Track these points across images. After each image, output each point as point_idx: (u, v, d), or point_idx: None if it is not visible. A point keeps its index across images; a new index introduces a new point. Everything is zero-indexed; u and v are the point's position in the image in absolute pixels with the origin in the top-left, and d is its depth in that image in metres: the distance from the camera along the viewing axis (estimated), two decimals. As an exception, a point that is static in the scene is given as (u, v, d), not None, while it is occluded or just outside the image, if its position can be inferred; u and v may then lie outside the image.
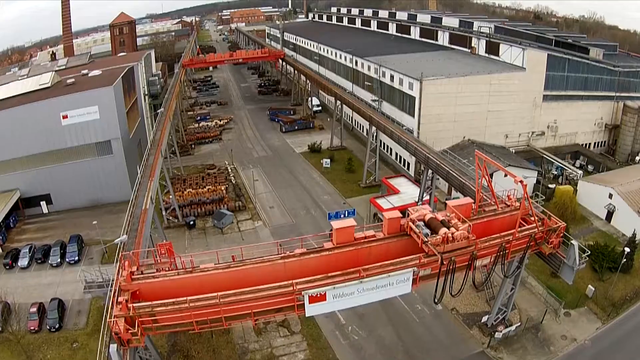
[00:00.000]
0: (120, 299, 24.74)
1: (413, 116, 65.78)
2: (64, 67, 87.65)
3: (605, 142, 76.47)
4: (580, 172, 65.52)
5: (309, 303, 25.45)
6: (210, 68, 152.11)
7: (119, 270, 26.70)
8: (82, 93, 57.53)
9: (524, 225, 32.34)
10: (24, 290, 45.67)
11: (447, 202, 33.52)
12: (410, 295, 44.82)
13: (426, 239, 27.94)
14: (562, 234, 32.52)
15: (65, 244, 51.29)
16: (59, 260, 48.93)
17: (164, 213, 57.24)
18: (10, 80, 72.74)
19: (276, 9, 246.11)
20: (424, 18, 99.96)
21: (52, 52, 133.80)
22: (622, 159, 72.00)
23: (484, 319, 40.43)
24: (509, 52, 69.94)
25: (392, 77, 71.53)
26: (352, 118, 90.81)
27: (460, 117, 65.64)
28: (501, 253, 30.51)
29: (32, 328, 39.76)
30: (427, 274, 28.67)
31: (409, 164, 68.62)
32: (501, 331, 38.67)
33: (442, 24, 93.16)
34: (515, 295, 39.86)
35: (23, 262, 49.00)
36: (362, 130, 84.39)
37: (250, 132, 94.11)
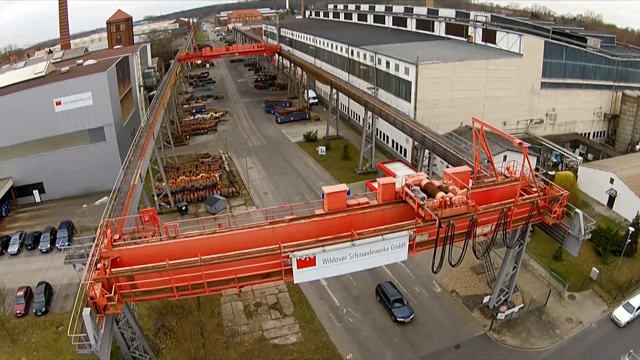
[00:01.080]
0: (99, 265, 23.54)
1: (409, 101, 64.75)
2: (59, 59, 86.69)
3: (604, 132, 75.43)
4: (580, 158, 64.48)
5: (298, 268, 24.20)
6: (207, 65, 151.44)
7: (99, 236, 25.45)
8: (75, 79, 56.62)
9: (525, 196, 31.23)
10: (12, 276, 44.56)
11: (444, 170, 32.29)
12: (408, 278, 44.02)
13: (422, 202, 26.69)
14: (565, 203, 31.24)
15: (56, 230, 50.20)
16: (48, 246, 48.04)
17: (155, 199, 56.04)
18: (6, 71, 71.66)
19: (274, 11, 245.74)
20: (420, 11, 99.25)
21: (49, 49, 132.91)
22: (622, 148, 70.89)
23: (486, 299, 39.05)
24: (505, 39, 69.05)
25: (387, 63, 70.58)
26: (348, 109, 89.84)
27: (457, 103, 64.55)
28: (502, 221, 29.21)
29: (18, 312, 38.78)
30: (424, 240, 27.47)
31: (405, 150, 67.54)
32: (504, 312, 37.32)
33: (439, 15, 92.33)
34: (517, 276, 38.59)
35: (13, 248, 48.25)
36: (359, 120, 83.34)
37: (245, 123, 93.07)
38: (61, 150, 57.34)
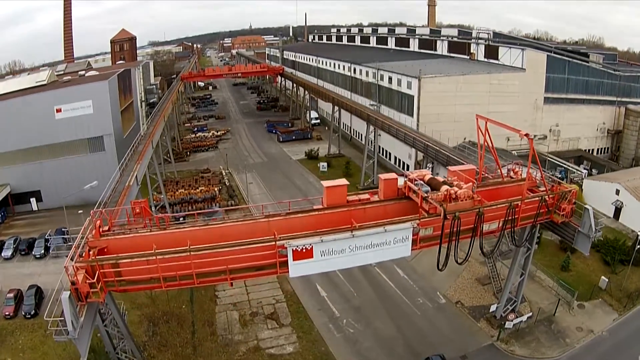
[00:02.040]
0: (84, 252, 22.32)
1: (412, 115, 64.14)
2: (62, 72, 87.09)
3: (608, 148, 74.76)
4: (584, 171, 63.39)
5: (294, 259, 22.82)
6: (210, 88, 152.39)
7: (87, 226, 24.24)
8: (76, 87, 56.38)
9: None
10: (4, 279, 43.08)
11: (448, 168, 31.24)
12: (411, 289, 42.39)
13: (426, 195, 25.56)
14: (574, 200, 30.02)
15: (51, 236, 48.94)
16: (42, 252, 46.65)
17: (153, 209, 54.82)
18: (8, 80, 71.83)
19: (277, 38, 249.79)
20: (423, 31, 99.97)
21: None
22: (626, 164, 69.91)
23: (493, 308, 37.43)
24: (508, 55, 68.93)
25: (390, 79, 70.40)
26: (350, 128, 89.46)
27: (460, 118, 63.76)
28: (510, 218, 27.90)
29: (7, 314, 37.53)
30: (428, 234, 26.08)
31: (407, 165, 66.55)
32: (512, 320, 35.60)
33: (441, 35, 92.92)
34: (524, 284, 37.08)
35: (7, 252, 46.99)
36: (361, 139, 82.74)
37: (247, 142, 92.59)
38: (60, 158, 56.57)
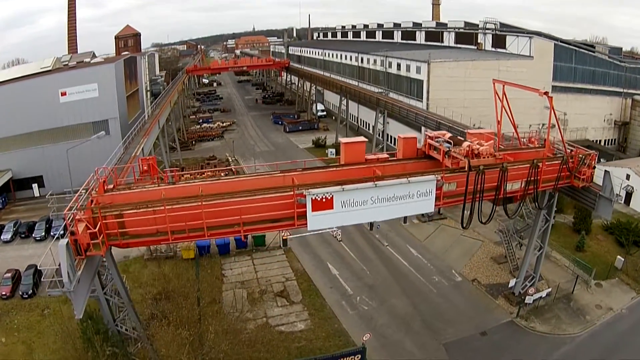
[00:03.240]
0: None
1: (421, 100, 63.15)
2: (67, 62, 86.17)
3: (615, 140, 74.10)
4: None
5: (312, 210, 21.56)
6: (214, 84, 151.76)
7: (91, 183, 23.01)
8: (82, 69, 55.73)
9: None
10: (3, 261, 42.21)
11: (467, 131, 30.21)
12: (425, 268, 41.23)
13: (448, 149, 24.51)
14: (593, 165, 29.19)
15: (52, 220, 47.80)
16: (43, 234, 45.94)
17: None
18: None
19: (281, 39, 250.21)
20: (429, 24, 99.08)
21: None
22: (634, 155, 69.27)
23: (511, 283, 36.29)
24: (515, 43, 68.12)
25: (398, 65, 69.54)
26: (357, 118, 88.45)
27: (469, 104, 62.69)
28: (532, 178, 26.79)
29: (4, 293, 36.67)
30: (452, 190, 24.96)
31: (418, 152, 65.39)
32: (532, 294, 34.32)
33: (448, 27, 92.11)
34: (543, 258, 36.06)
35: (6, 236, 46.26)
36: (368, 129, 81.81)
37: (253, 132, 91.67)
38: (63, 143, 55.54)
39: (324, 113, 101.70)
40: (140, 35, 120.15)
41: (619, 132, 73.28)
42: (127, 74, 63.05)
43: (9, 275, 37.80)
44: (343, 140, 26.44)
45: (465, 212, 25.25)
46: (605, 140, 73.03)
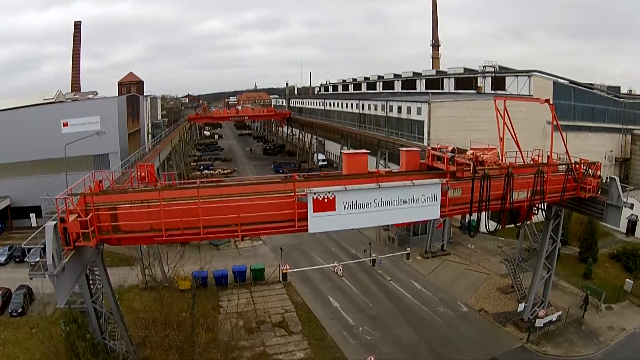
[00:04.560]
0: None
1: (422, 142, 63.46)
2: (70, 99, 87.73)
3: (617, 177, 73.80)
4: None
5: (314, 211, 20.86)
6: (215, 137, 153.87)
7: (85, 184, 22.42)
8: (85, 102, 56.38)
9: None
10: (-5, 283, 40.84)
11: (471, 147, 30.04)
12: (430, 300, 39.76)
13: (452, 155, 24.26)
14: (598, 174, 29.41)
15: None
16: (37, 259, 44.25)
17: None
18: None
19: (282, 97, 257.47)
20: (429, 73, 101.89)
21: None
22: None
23: (520, 307, 34.81)
24: (515, 83, 69.51)
25: (399, 108, 70.67)
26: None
27: (471, 144, 63.19)
28: (538, 187, 26.41)
29: None
30: (457, 196, 24.36)
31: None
32: (542, 317, 32.80)
33: (448, 73, 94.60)
34: (551, 282, 35.23)
35: (0, 258, 45.78)
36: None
37: (249, 171, 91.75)
38: (63, 174, 55.34)
39: (325, 162, 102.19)
40: (143, 83, 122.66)
41: (620, 169, 73.37)
42: (130, 112, 63.66)
43: None
44: (345, 152, 26.13)
45: (470, 217, 24.44)
46: (607, 178, 72.75)
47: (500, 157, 30.19)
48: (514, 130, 31.84)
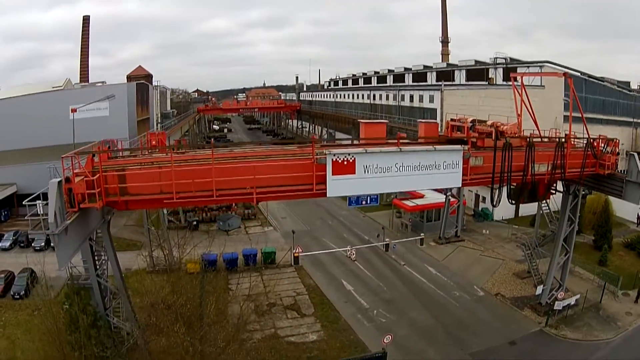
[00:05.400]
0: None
1: (435, 129, 62.61)
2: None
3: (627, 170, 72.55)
4: None
5: (333, 174, 20.08)
6: (225, 130, 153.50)
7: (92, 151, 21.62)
8: (94, 88, 55.82)
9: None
10: (-1, 266, 40.38)
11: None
12: (446, 284, 38.98)
13: (472, 124, 23.50)
14: (617, 151, 28.76)
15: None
16: (43, 244, 44.16)
17: (164, 212, 52.11)
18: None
19: (292, 93, 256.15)
20: (440, 66, 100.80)
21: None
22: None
23: (538, 290, 33.85)
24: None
25: (411, 97, 69.89)
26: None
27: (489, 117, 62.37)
28: (559, 161, 25.65)
29: None
30: (479, 164, 23.51)
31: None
32: (561, 299, 31.82)
33: (459, 66, 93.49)
34: (569, 265, 34.45)
35: (5, 243, 45.38)
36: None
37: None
38: (71, 161, 55.03)
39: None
40: (152, 77, 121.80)
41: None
42: (139, 99, 63.18)
43: (1, 275, 36.63)
44: (362, 121, 25.35)
45: (493, 186, 23.72)
46: (618, 171, 71.62)
47: (520, 131, 29.57)
48: (532, 107, 30.91)
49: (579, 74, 68.04)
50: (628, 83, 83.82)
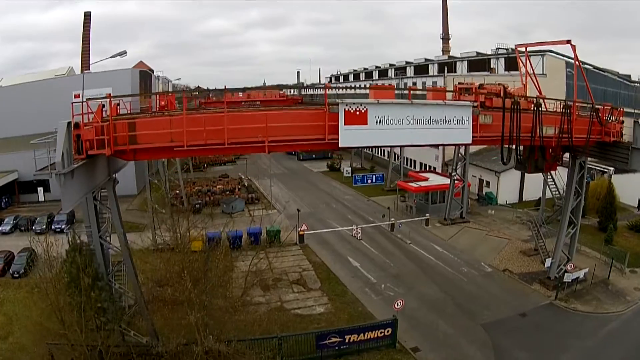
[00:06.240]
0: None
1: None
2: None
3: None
4: (612, 168, 60.75)
5: (345, 124, 19.91)
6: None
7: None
8: (97, 73, 55.27)
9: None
10: (-1, 248, 40.02)
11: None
12: (453, 261, 38.79)
13: (481, 85, 23.56)
14: (621, 119, 28.73)
15: (54, 215, 46.32)
16: (44, 227, 43.98)
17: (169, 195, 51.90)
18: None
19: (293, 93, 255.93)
20: (441, 58, 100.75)
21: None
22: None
23: (547, 263, 33.63)
24: (528, 63, 68.26)
25: (414, 84, 70.28)
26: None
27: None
28: (566, 124, 25.76)
29: None
30: (488, 122, 23.37)
31: (434, 167, 63.90)
32: (570, 271, 31.64)
33: (460, 58, 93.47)
34: (577, 238, 34.28)
35: (5, 227, 45.14)
36: (384, 155, 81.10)
37: (266, 159, 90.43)
38: (73, 147, 54.77)
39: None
40: (153, 72, 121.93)
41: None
42: (142, 87, 63.03)
43: (1, 255, 36.57)
44: (371, 86, 25.18)
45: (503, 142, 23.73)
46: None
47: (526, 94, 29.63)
48: (537, 79, 30.96)
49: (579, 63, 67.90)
50: (629, 76, 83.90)
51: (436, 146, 58.52)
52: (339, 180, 70.09)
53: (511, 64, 72.35)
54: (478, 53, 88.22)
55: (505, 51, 78.62)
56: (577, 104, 27.74)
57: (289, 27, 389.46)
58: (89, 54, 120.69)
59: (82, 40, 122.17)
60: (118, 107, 22.16)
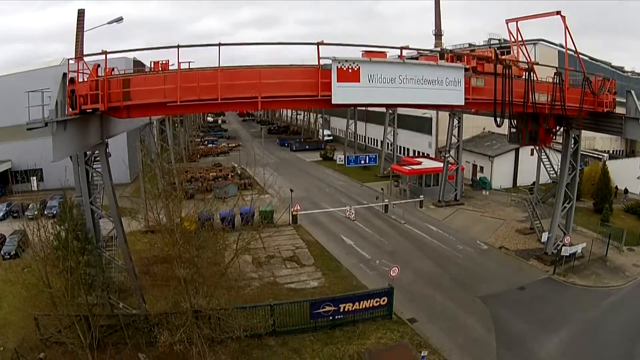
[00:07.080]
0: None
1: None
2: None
3: (622, 151, 73.27)
4: (606, 154, 61.03)
5: (338, 81, 19.71)
6: (219, 121, 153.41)
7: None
8: (89, 58, 54.91)
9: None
10: (-9, 233, 39.50)
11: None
12: (449, 240, 38.71)
13: (472, 50, 23.43)
14: (614, 90, 28.97)
15: (47, 201, 45.76)
16: (36, 212, 43.25)
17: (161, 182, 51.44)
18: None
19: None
20: (433, 50, 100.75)
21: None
22: (641, 166, 67.84)
23: (544, 237, 33.66)
24: (520, 53, 68.43)
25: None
26: (365, 137, 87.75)
27: (477, 123, 61.93)
28: (558, 92, 26.16)
29: None
30: (480, 85, 23.31)
31: (428, 154, 63.88)
32: (568, 244, 31.64)
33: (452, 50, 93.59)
34: (573, 212, 34.08)
35: None
36: (376, 145, 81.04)
37: (259, 151, 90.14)
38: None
39: (331, 138, 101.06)
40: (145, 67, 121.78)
41: (626, 144, 73.04)
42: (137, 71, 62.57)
43: None
44: (364, 50, 24.94)
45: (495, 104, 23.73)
46: (613, 151, 71.73)
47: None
48: (529, 53, 30.99)
49: (572, 52, 67.99)
50: (622, 68, 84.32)
51: (429, 107, 58.48)
52: (332, 168, 69.97)
53: (504, 54, 72.46)
54: (470, 45, 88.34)
55: (497, 42, 78.61)
56: (568, 71, 27.43)
57: (281, 26, 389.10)
58: (82, 44, 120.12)
59: (76, 40, 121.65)
60: (112, 71, 21.73)
